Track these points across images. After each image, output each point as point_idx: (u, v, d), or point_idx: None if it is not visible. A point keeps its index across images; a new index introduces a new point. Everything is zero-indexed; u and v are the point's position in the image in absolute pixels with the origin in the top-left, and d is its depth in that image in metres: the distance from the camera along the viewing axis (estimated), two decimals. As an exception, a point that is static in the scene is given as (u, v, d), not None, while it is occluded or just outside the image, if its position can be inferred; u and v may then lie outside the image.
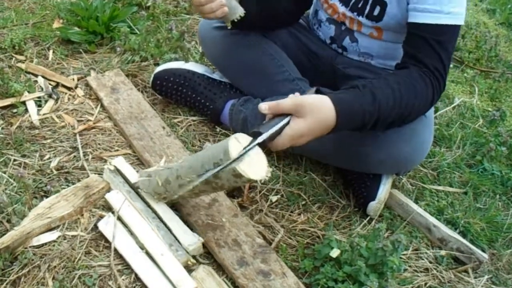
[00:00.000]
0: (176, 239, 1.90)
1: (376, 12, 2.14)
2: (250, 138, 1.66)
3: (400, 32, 2.10)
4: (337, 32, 2.33)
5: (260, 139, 1.64)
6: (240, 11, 2.11)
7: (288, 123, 1.69)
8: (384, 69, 2.30)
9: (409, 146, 2.08)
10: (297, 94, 1.78)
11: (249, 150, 1.63)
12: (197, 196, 1.95)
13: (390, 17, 2.11)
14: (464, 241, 2.14)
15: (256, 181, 1.66)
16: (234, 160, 1.61)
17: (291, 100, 1.70)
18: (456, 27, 1.98)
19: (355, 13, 2.20)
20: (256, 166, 1.64)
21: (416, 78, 1.91)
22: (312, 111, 1.69)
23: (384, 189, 2.20)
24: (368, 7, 2.16)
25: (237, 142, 1.65)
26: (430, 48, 1.95)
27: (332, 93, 1.79)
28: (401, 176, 2.41)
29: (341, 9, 2.24)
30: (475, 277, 2.09)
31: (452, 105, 3.00)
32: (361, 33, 2.25)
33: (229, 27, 2.16)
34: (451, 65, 3.36)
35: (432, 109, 2.21)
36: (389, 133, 2.02)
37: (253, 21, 2.28)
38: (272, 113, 1.72)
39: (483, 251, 2.16)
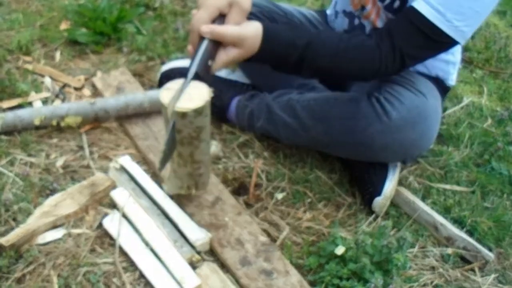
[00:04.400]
0: (183, 234, 1.91)
1: (396, 5, 2.08)
2: (181, 82, 1.66)
3: None
4: (350, 26, 2.30)
5: (190, 75, 1.64)
6: None
7: (208, 44, 1.68)
8: None
9: (414, 132, 2.06)
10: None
11: (182, 89, 1.62)
12: (198, 164, 1.88)
13: None
14: (471, 240, 2.13)
15: (204, 106, 1.61)
16: (173, 107, 1.60)
17: (235, 33, 1.72)
18: (449, 39, 1.90)
19: None
20: (196, 94, 1.62)
21: (365, 51, 1.92)
22: (249, 44, 1.75)
23: (390, 185, 2.19)
24: None
25: (168, 90, 1.64)
26: (411, 33, 1.91)
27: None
28: (407, 174, 2.40)
29: None
30: (481, 276, 2.07)
31: (460, 105, 2.98)
32: (374, 29, 2.20)
33: None
34: (460, 66, 3.35)
35: (439, 102, 2.22)
36: (395, 117, 2.02)
37: None
38: (212, 38, 1.70)
39: (490, 250, 2.15)
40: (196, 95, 1.62)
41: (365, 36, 1.99)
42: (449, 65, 2.28)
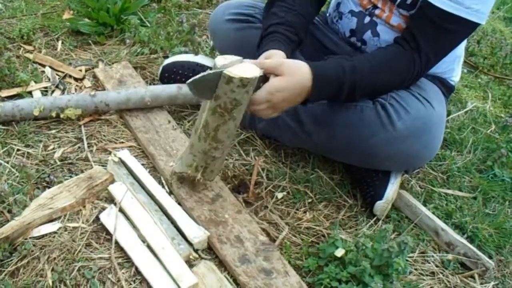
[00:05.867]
0: (181, 231, 1.89)
1: (409, 1, 2.05)
2: (238, 58, 1.77)
3: None
4: (359, 25, 2.25)
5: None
6: None
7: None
8: None
9: (419, 143, 2.04)
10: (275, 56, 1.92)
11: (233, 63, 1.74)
12: (217, 144, 1.89)
13: None
14: (471, 246, 2.11)
15: (251, 80, 1.70)
16: (220, 70, 1.70)
17: (274, 60, 1.84)
18: (472, 24, 1.92)
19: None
20: (246, 70, 1.71)
21: (399, 58, 1.99)
22: (289, 69, 1.82)
23: (392, 189, 2.17)
24: None
25: (224, 58, 1.75)
26: (434, 34, 1.95)
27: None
28: (410, 177, 2.38)
29: None
30: (481, 283, 2.06)
31: (465, 110, 2.97)
32: (386, 26, 2.16)
33: None
34: (465, 70, 3.34)
35: (444, 107, 2.20)
36: (400, 128, 2.00)
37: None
38: (260, 67, 1.79)
39: (490, 257, 2.14)
40: (248, 70, 1.71)
41: (394, 47, 2.02)
42: (455, 61, 2.27)
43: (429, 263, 2.08)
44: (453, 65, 2.28)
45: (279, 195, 2.19)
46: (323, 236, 2.07)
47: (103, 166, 2.11)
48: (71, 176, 2.05)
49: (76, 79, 2.57)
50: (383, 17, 2.15)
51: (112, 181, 2.03)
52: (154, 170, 2.15)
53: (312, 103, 1.99)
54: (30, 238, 1.81)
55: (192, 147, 1.93)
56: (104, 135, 2.27)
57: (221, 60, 1.72)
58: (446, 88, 2.31)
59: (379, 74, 1.98)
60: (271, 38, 2.04)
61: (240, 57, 1.78)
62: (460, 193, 2.40)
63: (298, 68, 1.85)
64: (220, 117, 1.79)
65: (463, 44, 2.30)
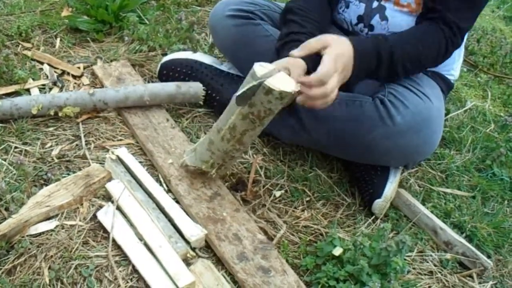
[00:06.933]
0: (178, 230, 1.88)
1: None
2: (272, 66, 1.77)
3: None
4: (367, 10, 2.25)
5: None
6: None
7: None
8: None
9: (418, 137, 2.05)
10: None
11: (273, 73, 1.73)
12: (240, 146, 1.93)
13: None
14: (470, 246, 2.11)
15: (289, 94, 1.70)
16: (262, 80, 1.70)
17: (317, 38, 1.89)
18: None
19: None
20: (284, 83, 1.71)
21: (430, 31, 2.04)
22: (332, 38, 1.87)
23: (391, 187, 2.17)
24: None
25: (262, 67, 1.74)
26: (456, 2, 1.99)
27: None
28: (408, 176, 2.38)
29: None
30: (479, 283, 2.05)
31: (464, 109, 2.96)
32: (394, 8, 2.17)
33: None
34: (465, 69, 3.34)
35: (443, 102, 2.21)
36: (399, 122, 2.01)
37: None
38: (304, 53, 1.87)
39: (489, 256, 2.13)
40: (287, 84, 1.70)
41: (422, 24, 2.09)
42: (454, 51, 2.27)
43: (428, 262, 2.08)
44: (453, 56, 2.28)
45: (277, 194, 2.19)
46: (321, 234, 2.07)
47: (100, 163, 2.10)
48: (68, 174, 2.04)
49: (74, 77, 2.56)
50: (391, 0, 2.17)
51: (110, 179, 2.02)
52: (152, 168, 2.14)
53: (355, 79, 1.97)
54: (27, 236, 1.80)
55: (212, 144, 1.95)
56: (102, 133, 2.26)
57: (260, 69, 1.73)
58: (445, 83, 2.32)
59: (414, 45, 2.01)
60: (295, 45, 2.04)
61: (274, 66, 1.78)
62: (459, 192, 2.39)
63: (338, 36, 1.90)
64: (251, 123, 1.82)
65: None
